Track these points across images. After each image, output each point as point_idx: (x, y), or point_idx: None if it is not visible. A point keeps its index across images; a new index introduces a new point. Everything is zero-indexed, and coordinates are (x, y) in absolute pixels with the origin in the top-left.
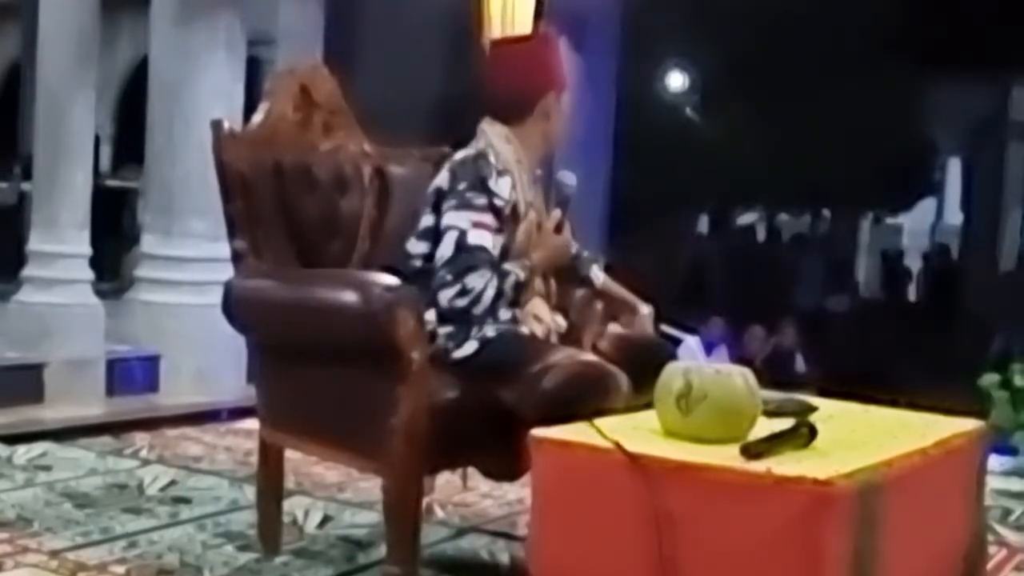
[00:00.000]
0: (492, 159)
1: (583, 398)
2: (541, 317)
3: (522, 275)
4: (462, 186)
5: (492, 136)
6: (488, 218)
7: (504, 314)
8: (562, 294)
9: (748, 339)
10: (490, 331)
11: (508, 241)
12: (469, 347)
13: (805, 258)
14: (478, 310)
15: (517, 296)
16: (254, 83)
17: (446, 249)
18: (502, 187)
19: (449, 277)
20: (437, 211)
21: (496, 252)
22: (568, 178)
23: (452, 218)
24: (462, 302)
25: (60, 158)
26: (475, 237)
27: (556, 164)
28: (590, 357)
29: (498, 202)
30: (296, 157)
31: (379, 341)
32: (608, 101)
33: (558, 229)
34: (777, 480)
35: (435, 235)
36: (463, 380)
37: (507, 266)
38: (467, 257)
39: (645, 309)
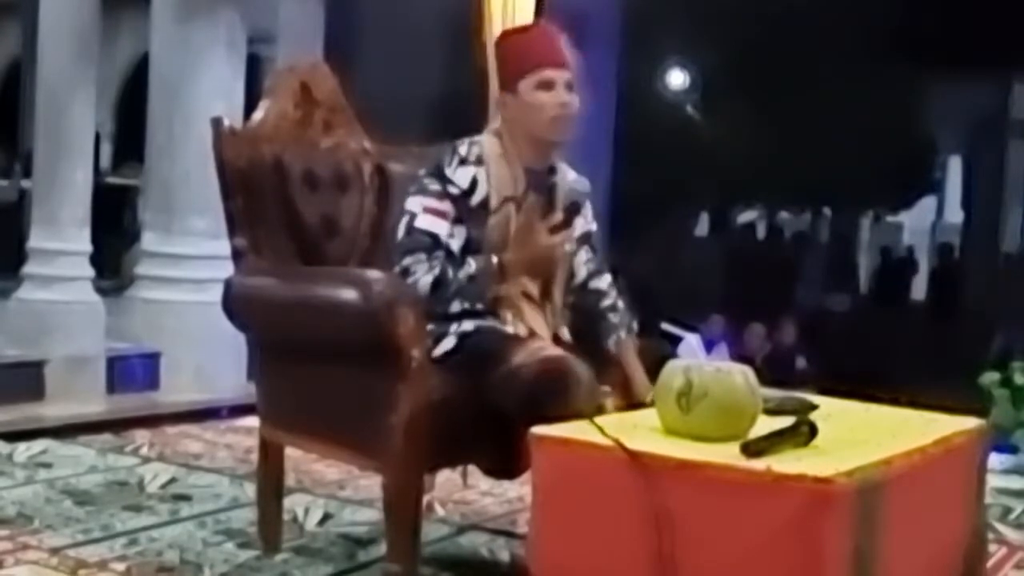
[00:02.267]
0: (463, 149)
1: (548, 397)
2: (536, 331)
3: (474, 267)
4: (422, 172)
5: (486, 132)
6: (442, 205)
7: (455, 306)
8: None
9: (748, 337)
10: (468, 326)
11: (478, 234)
12: (448, 343)
13: (806, 256)
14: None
15: (477, 290)
16: (254, 80)
17: (399, 234)
18: (460, 175)
19: (396, 260)
20: None
21: (455, 241)
22: (581, 184)
23: (408, 203)
24: None
25: (60, 155)
26: (423, 222)
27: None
28: (550, 353)
29: (452, 189)
30: (296, 155)
31: (379, 339)
32: (609, 99)
33: (555, 230)
34: (777, 478)
35: None
36: (449, 378)
37: (470, 258)
38: (408, 241)
39: (646, 396)
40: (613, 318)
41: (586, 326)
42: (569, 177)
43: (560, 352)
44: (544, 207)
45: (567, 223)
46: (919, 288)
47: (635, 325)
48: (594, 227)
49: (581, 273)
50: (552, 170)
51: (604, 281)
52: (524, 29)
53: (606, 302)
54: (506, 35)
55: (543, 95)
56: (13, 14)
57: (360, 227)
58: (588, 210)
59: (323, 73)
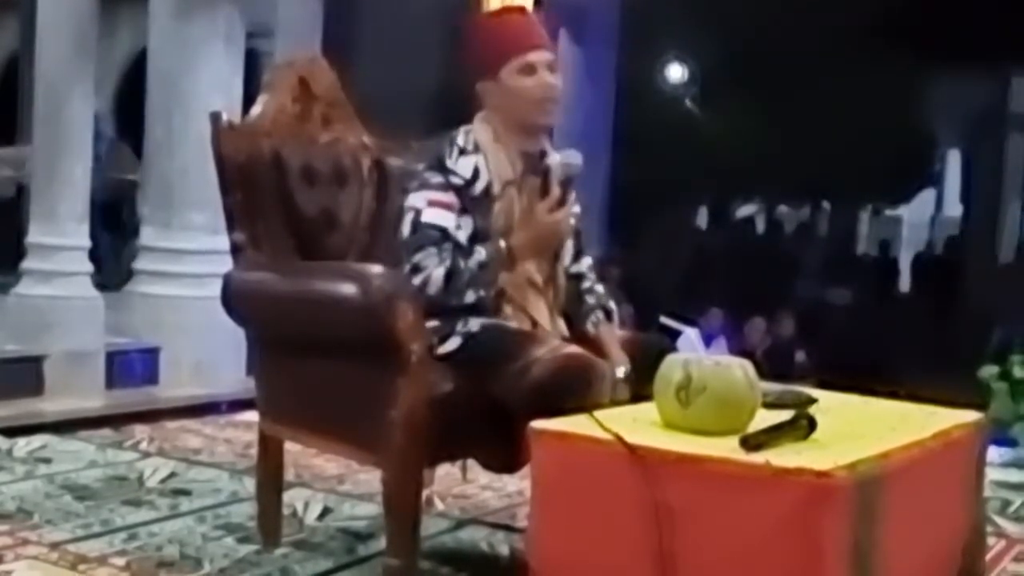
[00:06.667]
0: (460, 139)
1: (568, 391)
2: (539, 320)
3: (484, 254)
4: (422, 167)
5: (476, 119)
6: (447, 197)
7: (470, 296)
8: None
9: (747, 331)
10: (474, 325)
11: (484, 222)
12: (452, 343)
13: (805, 250)
14: (432, 290)
15: (488, 277)
16: (253, 75)
17: (404, 231)
18: (462, 166)
19: (405, 257)
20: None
21: (462, 232)
22: (573, 157)
23: (410, 199)
24: (414, 283)
25: (59, 150)
26: (429, 216)
27: (558, 144)
28: (572, 349)
29: (455, 180)
30: (295, 149)
31: (378, 333)
32: (608, 93)
33: (554, 208)
34: (776, 472)
35: None
36: (451, 373)
37: (478, 246)
38: (416, 238)
39: (620, 372)
40: (591, 299)
41: (566, 308)
42: (559, 157)
43: (581, 349)
44: (542, 189)
45: (565, 198)
46: (918, 282)
47: (613, 305)
48: (577, 209)
49: (566, 258)
50: (543, 153)
51: (584, 264)
52: (497, 15)
53: (585, 284)
54: (479, 22)
55: (526, 80)
56: (11, 9)
57: (359, 221)
58: (572, 194)
59: (321, 68)
